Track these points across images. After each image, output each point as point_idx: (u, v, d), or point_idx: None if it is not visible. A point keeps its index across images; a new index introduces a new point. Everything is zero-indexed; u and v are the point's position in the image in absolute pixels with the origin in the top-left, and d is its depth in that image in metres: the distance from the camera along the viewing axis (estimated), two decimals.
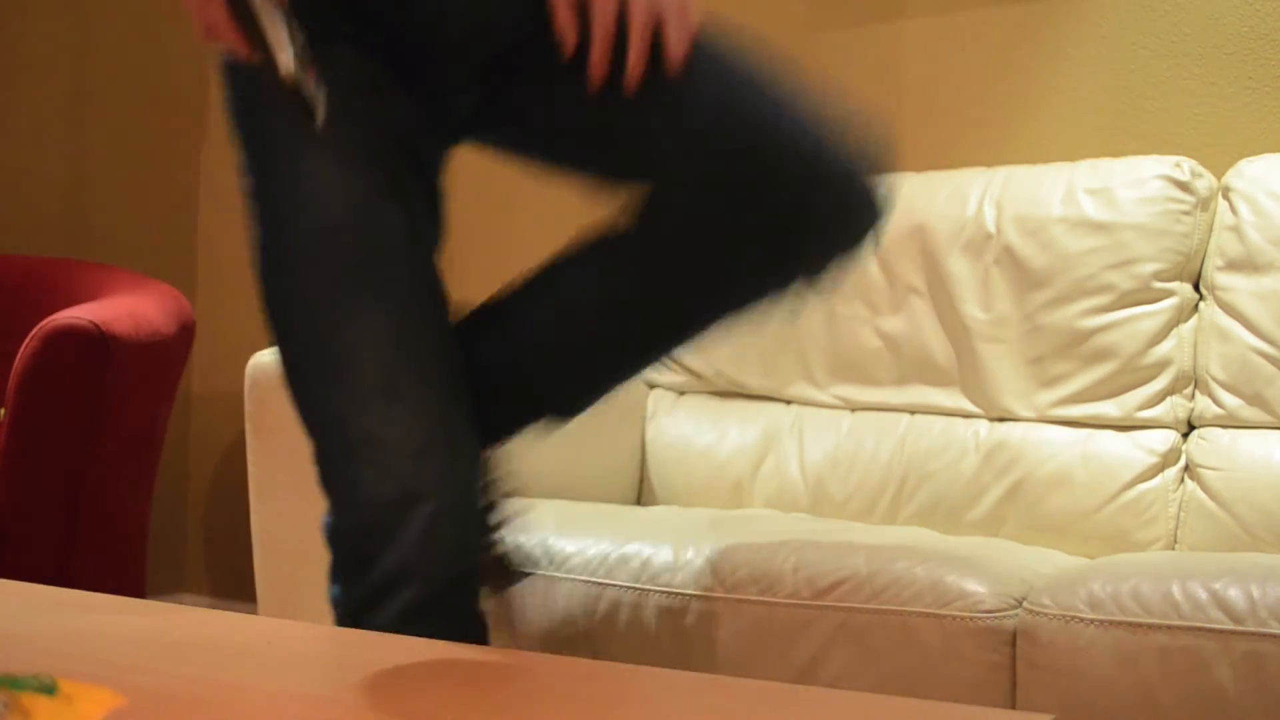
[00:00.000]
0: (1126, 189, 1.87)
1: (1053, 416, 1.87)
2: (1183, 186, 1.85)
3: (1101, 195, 1.88)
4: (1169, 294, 1.84)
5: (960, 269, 1.95)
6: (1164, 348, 1.83)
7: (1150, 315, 1.83)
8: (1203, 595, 1.25)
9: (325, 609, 1.81)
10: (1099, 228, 1.86)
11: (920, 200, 2.02)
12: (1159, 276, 1.84)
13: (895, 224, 2.03)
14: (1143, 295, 1.84)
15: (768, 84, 1.23)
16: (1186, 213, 1.84)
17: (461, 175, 2.83)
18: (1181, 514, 1.76)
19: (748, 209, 1.20)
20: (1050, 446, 1.84)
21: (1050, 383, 1.87)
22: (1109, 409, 1.84)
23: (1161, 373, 1.82)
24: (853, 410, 2.05)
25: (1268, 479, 1.70)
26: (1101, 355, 1.84)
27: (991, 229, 1.94)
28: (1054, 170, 1.95)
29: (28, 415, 2.10)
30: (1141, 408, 1.82)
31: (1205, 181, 1.87)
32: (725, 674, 1.44)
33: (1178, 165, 1.86)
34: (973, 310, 1.93)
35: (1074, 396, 1.86)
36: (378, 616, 1.17)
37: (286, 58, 1.06)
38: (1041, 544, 1.77)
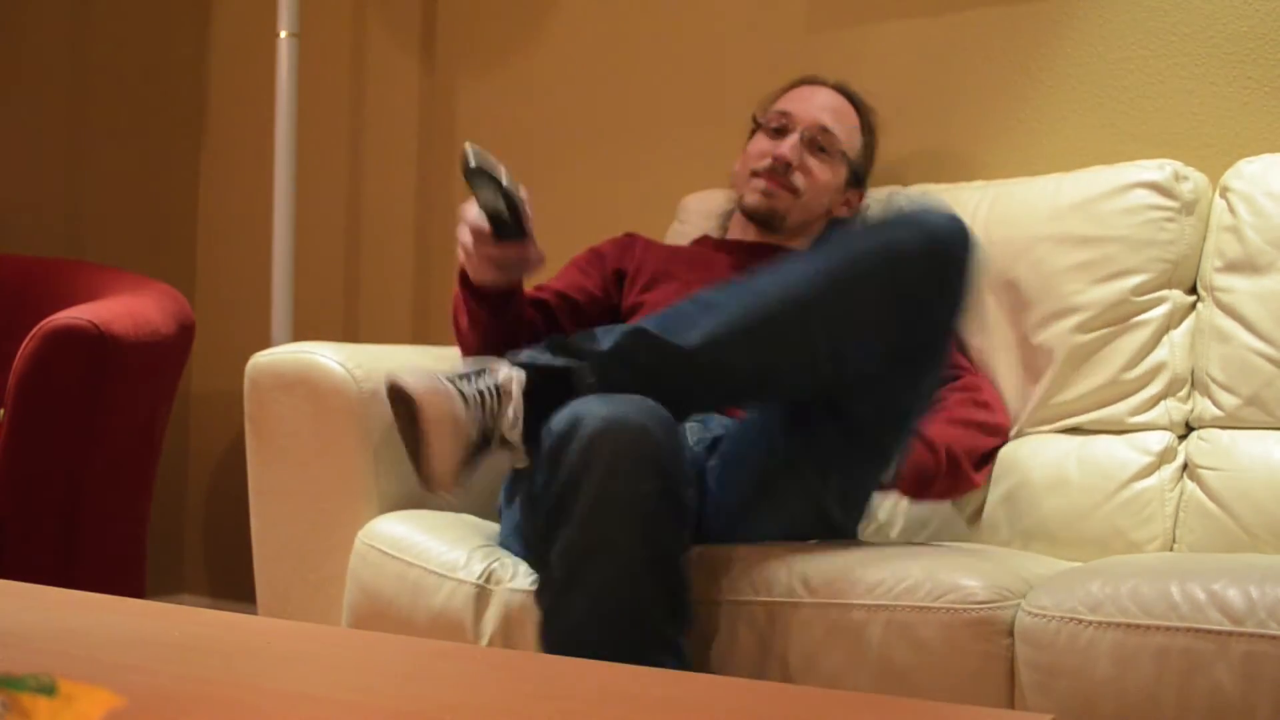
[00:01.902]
0: (1108, 200, 1.87)
1: (1046, 429, 1.87)
2: (1165, 192, 1.85)
3: (1085, 209, 1.88)
4: (1158, 302, 1.84)
5: None
6: (1155, 356, 1.83)
7: (1140, 325, 1.84)
8: (1201, 596, 1.25)
9: (324, 609, 1.82)
10: (1084, 242, 1.87)
11: None
12: (1146, 288, 1.84)
13: None
14: (1131, 308, 1.84)
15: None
16: (1170, 220, 1.85)
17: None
18: (1181, 514, 1.76)
19: None
20: (1045, 452, 1.85)
21: (1044, 397, 1.87)
22: (1103, 417, 1.84)
23: (1153, 380, 1.83)
24: None
25: (1267, 479, 1.70)
26: (1093, 369, 1.85)
27: (982, 254, 1.94)
28: (1040, 184, 1.96)
29: (27, 415, 2.09)
30: (1135, 413, 1.83)
31: (1190, 184, 1.87)
32: (722, 674, 1.44)
33: (1160, 168, 1.86)
34: (970, 338, 1.94)
35: (1068, 408, 1.86)
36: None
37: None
38: (1038, 546, 1.77)
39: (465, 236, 1.64)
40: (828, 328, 1.48)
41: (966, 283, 1.52)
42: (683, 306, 1.52)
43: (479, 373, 1.45)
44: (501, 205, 1.58)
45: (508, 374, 1.45)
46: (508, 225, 1.60)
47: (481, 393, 1.43)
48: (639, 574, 1.36)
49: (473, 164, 1.53)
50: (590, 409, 1.39)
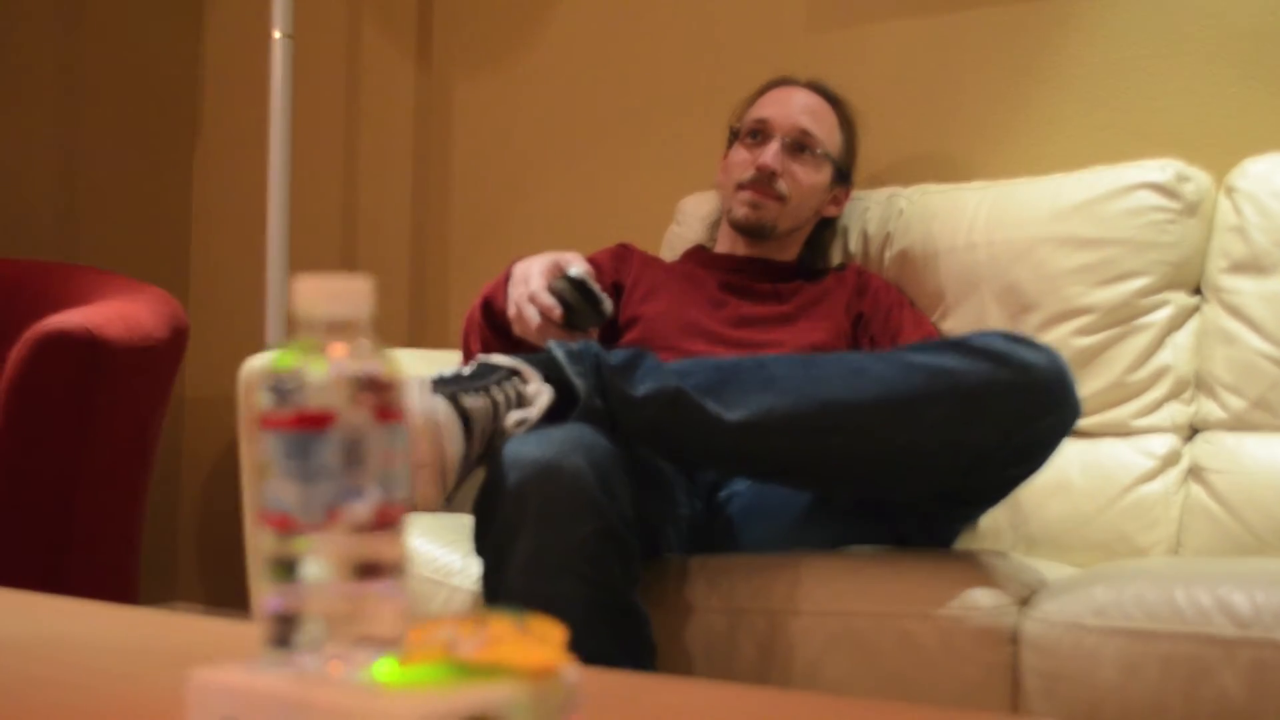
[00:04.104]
0: (1111, 202, 1.87)
1: None
2: (1168, 193, 1.84)
3: (1087, 210, 1.88)
4: (1161, 304, 1.84)
5: (955, 295, 1.96)
6: (1159, 359, 1.83)
7: (1142, 329, 1.83)
8: (1207, 601, 1.24)
9: None
10: (1086, 244, 1.86)
11: (916, 224, 2.03)
12: (1149, 290, 1.84)
13: (895, 247, 2.03)
14: (1133, 310, 1.84)
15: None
16: (1173, 221, 1.84)
17: (468, 167, 2.83)
18: (1185, 517, 1.76)
19: None
20: None
21: None
22: (1106, 420, 1.84)
23: (1156, 383, 1.82)
24: None
25: (1272, 482, 1.69)
26: (1096, 372, 1.84)
27: (984, 256, 1.93)
28: (1042, 186, 1.95)
29: (19, 421, 2.09)
30: (1139, 416, 1.82)
31: (1193, 184, 1.86)
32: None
33: (1163, 169, 1.86)
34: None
35: None
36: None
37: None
38: (1042, 552, 1.77)
39: (530, 310, 1.59)
40: (880, 448, 1.37)
41: (1052, 448, 1.40)
42: (741, 367, 1.42)
43: (508, 377, 1.42)
44: (587, 314, 1.58)
45: (537, 389, 1.41)
46: (579, 326, 1.59)
47: (498, 403, 1.39)
48: (588, 622, 1.30)
49: (573, 274, 1.57)
50: (520, 454, 1.33)
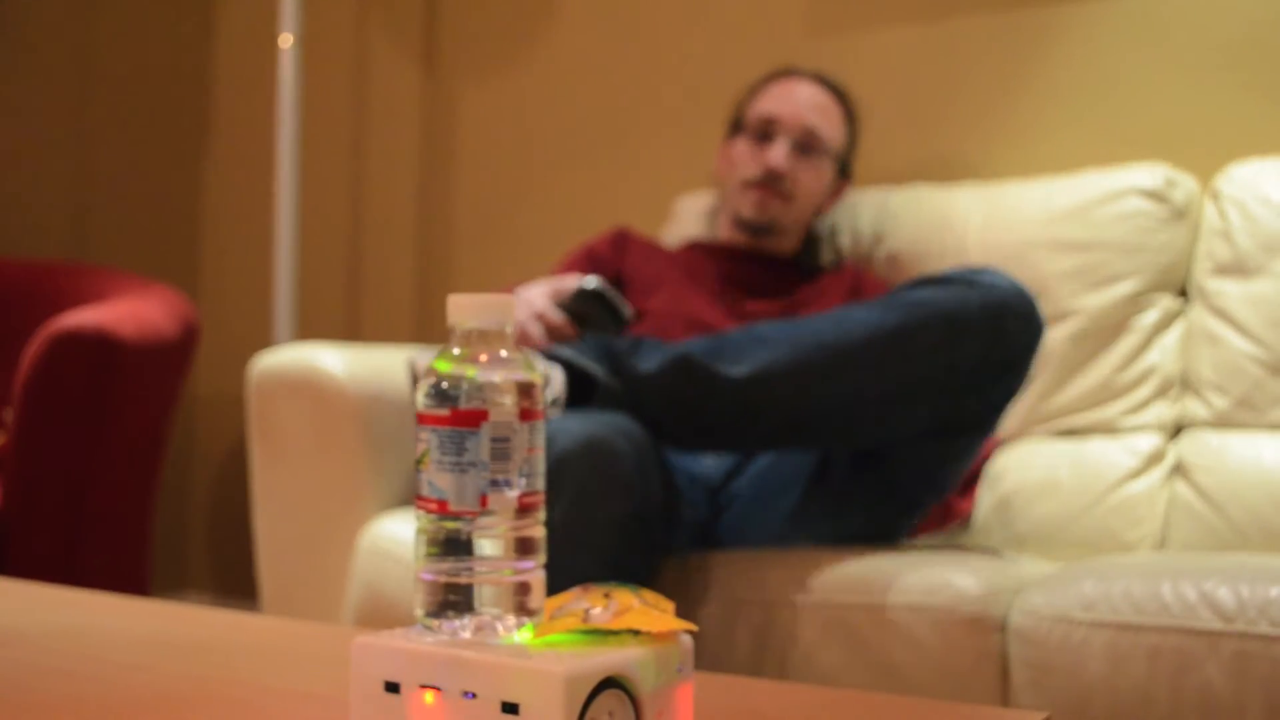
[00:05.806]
0: (1102, 206, 1.88)
1: (1040, 432, 1.88)
2: (1157, 198, 1.86)
3: (1078, 215, 1.89)
4: (1150, 306, 1.85)
5: None
6: (1147, 359, 1.84)
7: (1132, 331, 1.85)
8: (1192, 595, 1.26)
9: (328, 607, 1.83)
10: (1077, 248, 1.87)
11: (909, 225, 2.04)
12: (1138, 292, 1.85)
13: (886, 247, 2.05)
14: (1123, 312, 1.85)
15: None
16: (1162, 225, 1.85)
17: (472, 168, 2.85)
18: (1170, 513, 1.77)
19: None
20: (1037, 455, 1.85)
21: (1037, 401, 1.87)
22: (1095, 419, 1.85)
23: (1144, 382, 1.84)
24: None
25: (1255, 479, 1.71)
26: (1085, 372, 1.85)
27: (976, 258, 1.94)
28: (1033, 189, 1.96)
29: (34, 417, 2.11)
30: (1127, 414, 1.83)
31: (1181, 190, 1.87)
32: (718, 673, 1.45)
33: (1153, 174, 1.87)
34: None
35: (1061, 411, 1.87)
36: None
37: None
38: (1031, 547, 1.78)
39: (534, 327, 1.62)
40: (878, 383, 1.46)
41: (1028, 361, 1.49)
42: (732, 336, 1.48)
43: None
44: (606, 325, 1.62)
45: (545, 368, 1.43)
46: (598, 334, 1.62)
47: None
48: None
49: (590, 286, 1.61)
50: (566, 427, 1.35)
